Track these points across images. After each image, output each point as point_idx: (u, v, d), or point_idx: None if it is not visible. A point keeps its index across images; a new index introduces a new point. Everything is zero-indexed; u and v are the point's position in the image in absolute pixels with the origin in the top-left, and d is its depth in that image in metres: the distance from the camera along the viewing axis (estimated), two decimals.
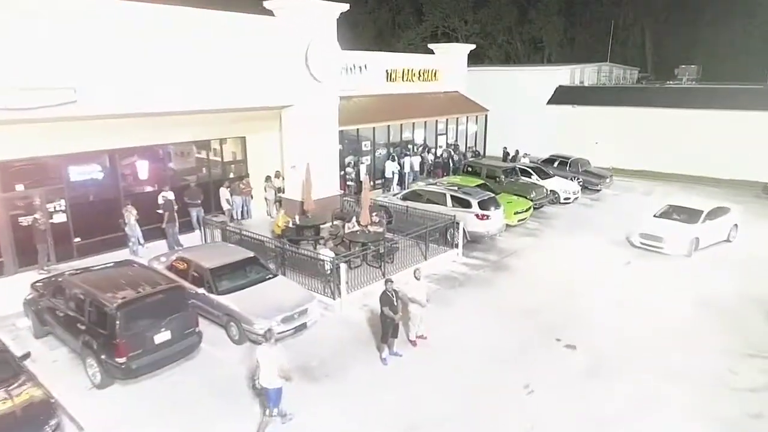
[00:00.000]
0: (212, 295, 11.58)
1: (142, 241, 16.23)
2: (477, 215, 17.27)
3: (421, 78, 27.03)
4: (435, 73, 27.68)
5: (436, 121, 27.95)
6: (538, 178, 23.60)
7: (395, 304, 10.57)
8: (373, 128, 24.19)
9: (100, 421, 9.01)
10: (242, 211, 19.12)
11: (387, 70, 24.99)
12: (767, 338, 12.03)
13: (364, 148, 24.21)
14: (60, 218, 15.09)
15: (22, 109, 11.67)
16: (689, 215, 17.57)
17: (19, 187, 14.38)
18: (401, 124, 25.92)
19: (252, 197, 19.41)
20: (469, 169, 24.06)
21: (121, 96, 13.34)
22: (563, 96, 33.61)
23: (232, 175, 19.25)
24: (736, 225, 18.39)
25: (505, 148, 28.95)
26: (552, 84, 33.97)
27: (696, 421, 9.26)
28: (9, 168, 14.12)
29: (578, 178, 25.56)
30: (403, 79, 26.00)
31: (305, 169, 16.96)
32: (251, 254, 12.93)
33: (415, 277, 11.22)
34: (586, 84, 36.00)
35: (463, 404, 9.58)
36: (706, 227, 17.29)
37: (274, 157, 19.38)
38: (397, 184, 23.82)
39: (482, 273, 15.68)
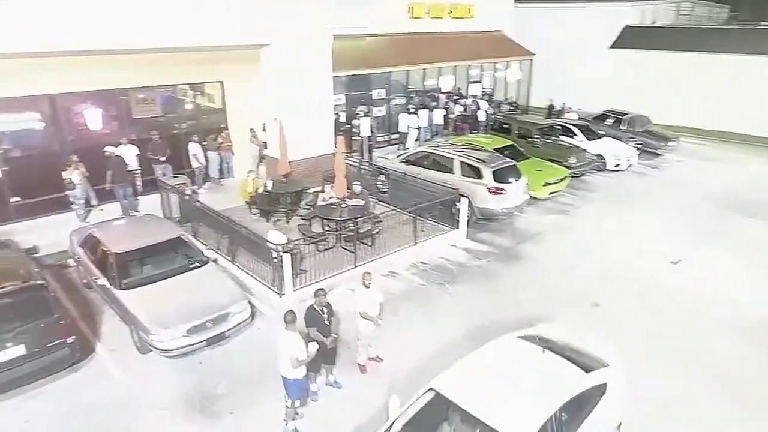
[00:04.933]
0: (114, 289, 9.15)
1: (94, 201, 14.09)
2: (489, 188, 13.90)
3: (453, 14, 22.95)
4: (469, 9, 23.43)
5: (469, 66, 24.01)
6: (584, 139, 19.61)
7: (326, 323, 7.78)
8: (389, 74, 20.76)
9: None
10: (221, 170, 16.59)
11: (409, 4, 21.14)
12: None
13: (376, 97, 20.89)
14: None
15: None
16: None
17: None
18: (424, 69, 22.26)
19: (233, 153, 16.77)
20: (502, 125, 20.32)
21: (38, 29, 10.79)
22: (630, 39, 28.37)
23: (210, 128, 16.59)
24: None
25: (551, 100, 24.69)
26: (618, 24, 28.76)
27: None
28: None
29: (635, 140, 21.24)
30: (429, 15, 22.08)
31: (278, 124, 14.05)
32: (177, 234, 10.36)
33: (364, 285, 8.30)
34: (659, 24, 30.42)
35: None
36: None
37: (260, 106, 16.48)
38: (415, 141, 20.48)
39: (485, 263, 12.51)
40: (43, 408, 7.78)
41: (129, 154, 14.36)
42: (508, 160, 14.94)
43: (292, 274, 10.42)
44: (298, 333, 7.09)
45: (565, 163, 17.49)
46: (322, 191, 13.03)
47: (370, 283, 8.27)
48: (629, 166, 19.46)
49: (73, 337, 8.02)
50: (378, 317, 8.36)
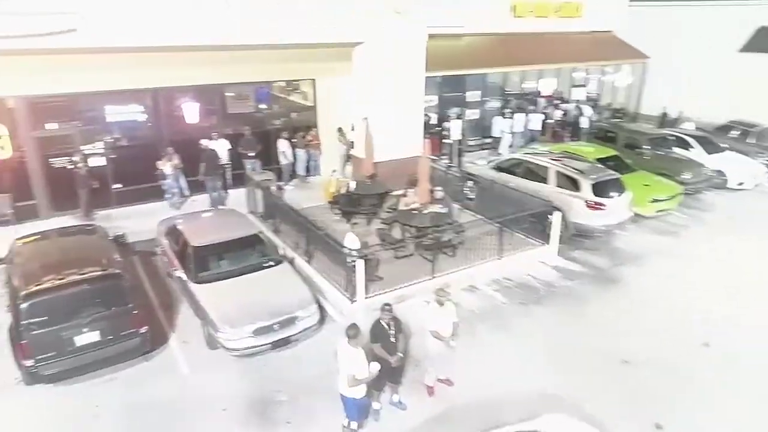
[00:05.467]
0: (189, 282, 9.23)
1: (186, 192, 14.60)
2: (587, 202, 12.70)
3: (560, 13, 21.51)
4: (578, 8, 21.87)
5: (573, 68, 22.45)
6: (702, 152, 17.55)
7: (393, 340, 7.25)
8: (484, 75, 19.87)
9: (7, 418, 7.46)
10: (308, 168, 16.59)
11: (512, 3, 20.07)
12: None
13: (470, 99, 20.07)
14: (97, 162, 13.86)
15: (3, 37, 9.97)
16: None
17: (52, 126, 13.27)
18: (523, 71, 21.08)
19: (321, 151, 16.72)
20: (606, 133, 18.68)
21: (142, 26, 11.24)
22: (766, 41, 25.25)
23: (300, 125, 16.67)
24: None
25: (665, 108, 22.50)
26: (751, 25, 25.66)
27: None
28: (40, 105, 12.99)
29: (765, 156, 18.70)
30: (534, 14, 20.83)
31: (364, 124, 13.75)
32: (255, 231, 10.30)
33: (438, 301, 7.68)
34: None
35: None
36: None
37: (350, 105, 16.27)
38: (509, 147, 19.43)
39: (576, 285, 11.39)
40: (114, 395, 7.92)
41: (220, 148, 14.72)
42: (611, 172, 13.61)
43: (366, 281, 10.05)
44: (360, 349, 6.63)
45: (677, 178, 15.71)
46: (405, 195, 12.53)
47: (444, 300, 7.64)
48: (756, 185, 17.17)
49: (146, 327, 8.13)
50: (450, 338, 7.70)
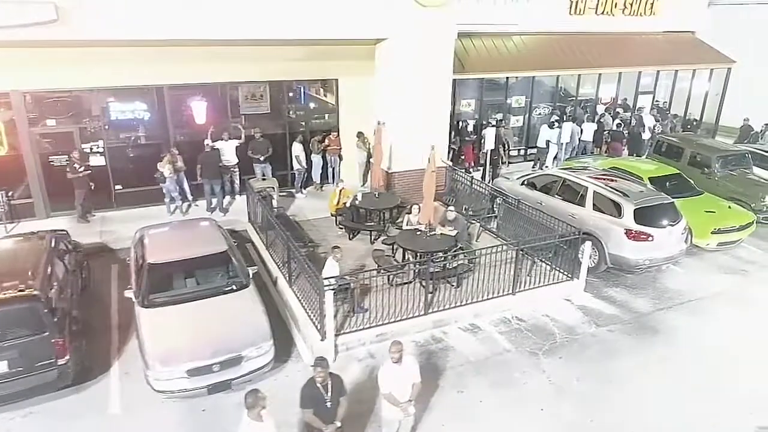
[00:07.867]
0: (136, 304, 8.14)
1: (189, 197, 13.74)
2: (628, 231, 10.59)
3: (628, 10, 19.07)
4: (651, 5, 19.34)
5: (639, 73, 19.85)
6: None
7: (328, 405, 5.76)
8: (532, 78, 17.84)
9: None
10: (323, 175, 15.33)
11: None
12: None
13: (515, 105, 18.11)
14: (97, 161, 13.26)
15: None
16: None
17: (51, 123, 12.77)
18: (579, 75, 18.81)
19: (341, 158, 15.42)
20: (673, 147, 16.11)
21: (135, 17, 10.39)
22: None
23: (321, 128, 15.47)
24: None
25: (747, 120, 19.44)
26: None
27: None
28: (38, 101, 12.51)
29: None
30: (597, 11, 18.57)
31: (381, 129, 12.32)
32: (223, 248, 9.03)
33: (392, 357, 6.09)
34: None
35: None
36: None
37: (373, 108, 14.86)
38: (554, 159, 17.34)
39: (604, 333, 9.37)
40: (30, 430, 6.96)
41: (228, 149, 13.73)
42: (663, 195, 11.37)
43: (347, 313, 8.70)
44: (266, 422, 5.20)
45: (753, 204, 13.18)
46: (409, 212, 10.96)
47: (398, 358, 6.04)
48: None
49: (66, 358, 7.07)
50: (408, 403, 6.12)
